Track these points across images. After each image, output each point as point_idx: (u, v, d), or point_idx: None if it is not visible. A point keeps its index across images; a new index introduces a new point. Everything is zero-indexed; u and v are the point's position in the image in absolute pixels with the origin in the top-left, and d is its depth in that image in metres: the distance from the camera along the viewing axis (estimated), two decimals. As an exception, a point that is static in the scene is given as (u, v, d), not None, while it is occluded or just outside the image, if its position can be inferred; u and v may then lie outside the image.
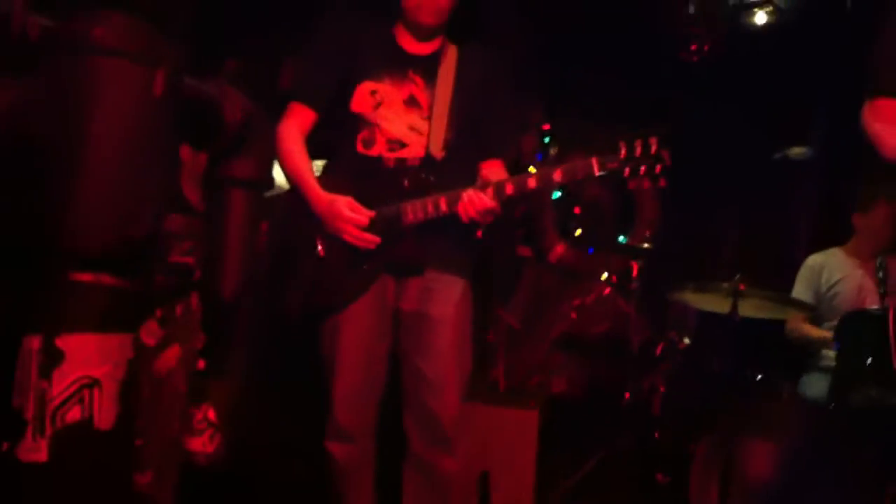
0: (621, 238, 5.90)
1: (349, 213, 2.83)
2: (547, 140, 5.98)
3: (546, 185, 2.73)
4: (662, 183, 2.59)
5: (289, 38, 4.75)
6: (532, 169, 5.71)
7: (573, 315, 5.78)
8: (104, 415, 1.04)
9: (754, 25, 5.40)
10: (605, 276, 5.86)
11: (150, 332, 1.40)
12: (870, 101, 2.50)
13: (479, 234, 2.88)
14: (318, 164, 3.30)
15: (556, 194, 5.80)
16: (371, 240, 2.83)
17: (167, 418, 1.45)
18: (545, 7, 5.20)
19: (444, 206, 2.77)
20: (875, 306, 3.81)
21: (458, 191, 2.74)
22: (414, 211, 2.81)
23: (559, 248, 5.96)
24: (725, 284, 3.77)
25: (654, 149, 2.58)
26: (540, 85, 5.58)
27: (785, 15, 5.29)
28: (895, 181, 4.45)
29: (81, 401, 1.00)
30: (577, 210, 6.06)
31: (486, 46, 3.13)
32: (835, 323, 3.89)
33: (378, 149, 2.93)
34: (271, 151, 1.57)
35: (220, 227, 1.44)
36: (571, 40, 5.37)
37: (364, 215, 2.83)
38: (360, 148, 2.95)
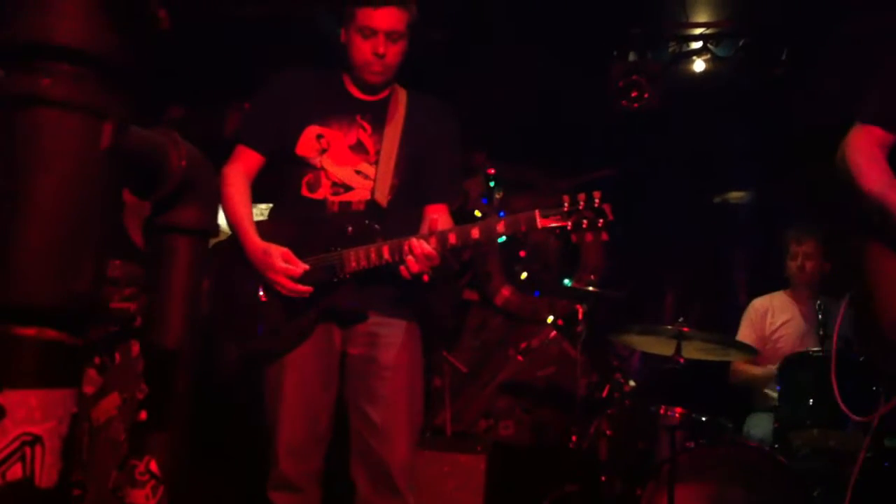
0: (566, 281, 5.94)
1: (282, 265, 2.78)
2: (492, 184, 6.03)
3: (489, 237, 2.71)
4: (605, 237, 2.62)
5: (233, 87, 4.75)
6: (477, 213, 5.76)
7: (519, 358, 5.79)
8: (46, 472, 1.00)
9: (693, 73, 5.52)
10: (550, 319, 5.89)
11: (89, 380, 1.37)
12: (860, 125, 2.47)
13: (426, 277, 2.85)
14: (263, 207, 3.29)
15: (502, 238, 5.83)
16: (303, 291, 2.80)
17: (105, 467, 1.42)
18: (486, 51, 5.27)
19: (386, 255, 2.74)
20: (816, 348, 3.87)
21: (401, 240, 2.72)
22: (357, 258, 2.77)
23: (505, 292, 5.98)
24: (669, 327, 3.81)
25: (596, 202, 2.61)
26: (484, 130, 5.64)
27: (723, 63, 5.41)
28: (799, 225, 4.64)
29: (23, 458, 0.97)
30: (522, 254, 6.10)
31: (433, 95, 3.14)
32: (778, 365, 3.95)
33: (323, 192, 2.92)
34: (216, 199, 1.54)
35: (164, 276, 1.41)
36: (514, 86, 5.44)
37: (298, 267, 2.79)
38: (304, 191, 2.94)
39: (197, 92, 4.90)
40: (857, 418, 2.73)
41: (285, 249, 2.81)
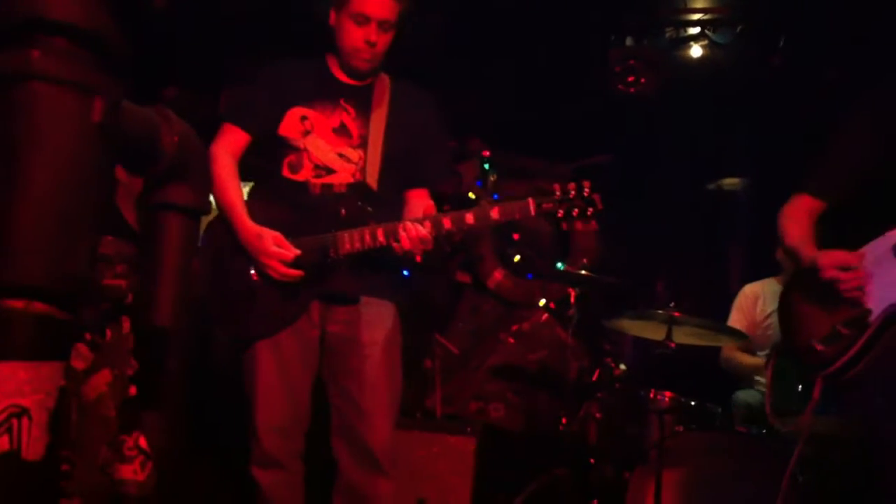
0: (559, 265, 5.95)
1: (275, 249, 2.79)
2: (487, 167, 6.02)
3: (483, 223, 2.77)
4: (594, 225, 2.69)
5: (228, 67, 4.73)
6: (471, 194, 5.76)
7: (511, 341, 5.80)
8: (33, 445, 1.01)
9: (690, 58, 5.52)
10: (542, 302, 5.90)
11: (80, 356, 1.37)
12: (795, 194, 2.90)
13: (419, 259, 2.87)
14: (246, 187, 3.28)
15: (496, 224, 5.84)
16: (295, 275, 2.81)
17: (95, 444, 1.42)
18: (483, 36, 5.26)
19: (381, 237, 2.76)
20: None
21: (396, 222, 2.75)
22: (351, 240, 2.79)
23: (497, 275, 5.99)
24: (660, 312, 3.82)
25: (586, 192, 2.71)
26: (478, 117, 5.63)
27: (720, 49, 5.40)
28: None
29: (10, 430, 0.98)
30: (515, 236, 6.09)
31: (418, 81, 3.15)
32: (768, 352, 3.97)
33: (304, 174, 2.93)
34: (208, 178, 1.55)
35: (156, 253, 1.42)
36: (510, 70, 5.43)
37: (290, 251, 2.80)
38: (286, 172, 2.95)
39: (192, 72, 4.88)
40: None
41: (277, 233, 2.82)
